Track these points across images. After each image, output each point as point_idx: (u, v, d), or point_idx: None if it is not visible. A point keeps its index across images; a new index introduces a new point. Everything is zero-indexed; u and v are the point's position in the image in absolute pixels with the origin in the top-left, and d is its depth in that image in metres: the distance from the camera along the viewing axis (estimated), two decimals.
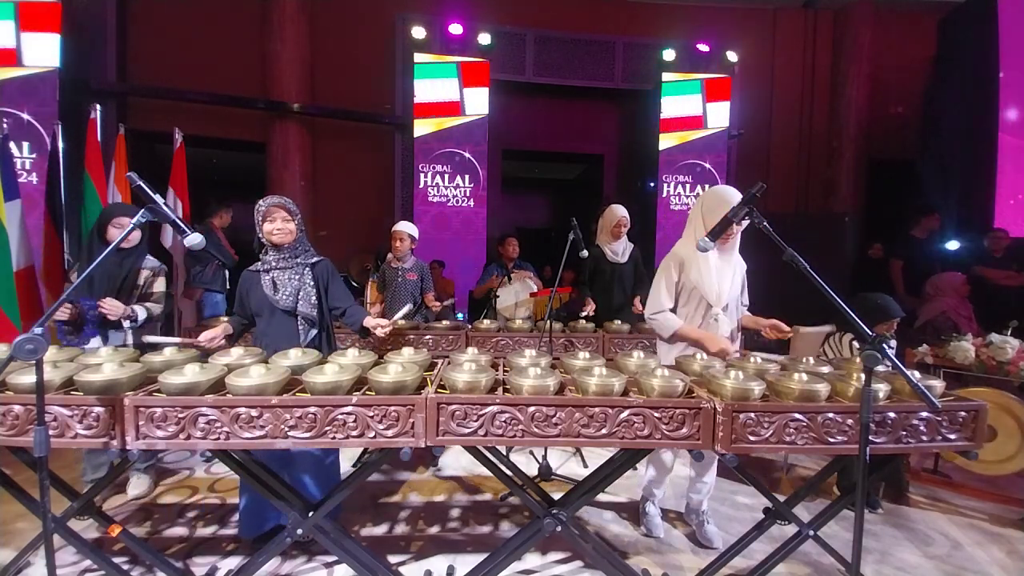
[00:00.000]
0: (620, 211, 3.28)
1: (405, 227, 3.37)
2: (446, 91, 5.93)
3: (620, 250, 3.32)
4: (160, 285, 2.40)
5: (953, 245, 5.17)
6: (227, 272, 4.26)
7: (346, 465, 2.92)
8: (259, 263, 2.08)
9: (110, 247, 1.43)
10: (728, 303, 2.09)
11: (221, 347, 2.05)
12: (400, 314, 2.24)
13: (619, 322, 2.96)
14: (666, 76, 6.30)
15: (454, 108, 5.95)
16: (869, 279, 4.88)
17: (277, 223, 2.01)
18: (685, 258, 2.09)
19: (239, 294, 2.12)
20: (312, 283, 2.07)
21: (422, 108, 5.90)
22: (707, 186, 6.41)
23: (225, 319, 2.36)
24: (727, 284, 2.07)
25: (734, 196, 1.99)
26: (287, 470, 2.01)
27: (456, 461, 2.97)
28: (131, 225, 1.43)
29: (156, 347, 2.37)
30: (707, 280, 2.04)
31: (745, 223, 2.01)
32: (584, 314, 3.21)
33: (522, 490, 1.68)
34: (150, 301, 2.36)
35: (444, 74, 5.91)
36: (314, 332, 2.09)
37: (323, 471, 2.11)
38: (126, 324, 2.25)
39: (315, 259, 2.14)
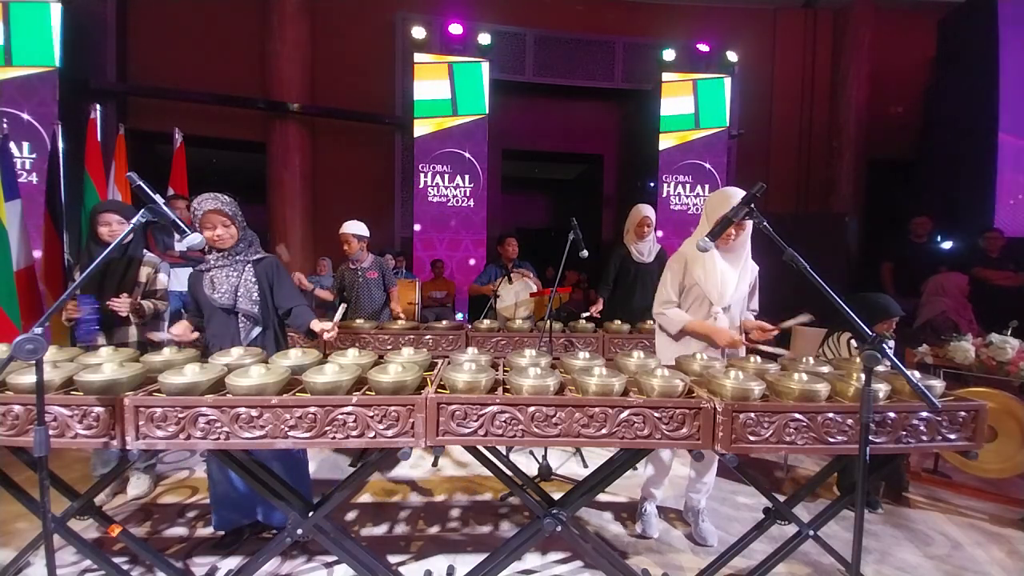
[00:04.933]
0: (644, 210, 3.18)
1: (352, 228, 3.25)
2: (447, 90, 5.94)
3: (646, 250, 3.23)
4: (163, 281, 2.41)
5: (948, 246, 5.18)
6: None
7: (346, 464, 2.93)
8: (203, 263, 2.05)
9: (108, 249, 1.43)
10: (731, 304, 2.10)
11: (192, 341, 2.03)
12: (338, 315, 2.10)
13: (619, 322, 2.95)
14: (666, 76, 6.30)
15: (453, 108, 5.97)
16: (860, 280, 4.89)
17: (217, 230, 1.95)
18: (689, 257, 2.12)
19: (191, 295, 2.08)
20: (254, 280, 2.02)
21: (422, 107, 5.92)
22: (707, 186, 6.41)
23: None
24: (731, 285, 2.08)
25: (736, 195, 1.96)
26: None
27: (456, 461, 2.97)
28: (131, 225, 1.43)
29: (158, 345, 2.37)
30: (710, 279, 2.07)
31: (749, 225, 2.03)
32: (587, 314, 3.19)
33: (522, 490, 1.68)
34: (155, 298, 2.36)
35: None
36: (257, 330, 2.04)
37: (290, 459, 2.09)
38: (134, 320, 2.25)
39: (258, 256, 2.07)
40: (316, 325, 2.00)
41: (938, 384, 1.59)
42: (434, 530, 2.27)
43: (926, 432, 1.49)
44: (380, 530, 2.27)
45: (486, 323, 3.01)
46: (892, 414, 1.47)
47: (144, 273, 2.35)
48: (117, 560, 1.78)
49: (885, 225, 6.36)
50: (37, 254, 3.42)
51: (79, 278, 1.41)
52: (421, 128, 5.96)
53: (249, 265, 2.03)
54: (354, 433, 1.44)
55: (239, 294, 1.98)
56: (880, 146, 7.07)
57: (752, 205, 1.50)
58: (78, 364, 1.62)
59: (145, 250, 2.43)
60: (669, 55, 6.34)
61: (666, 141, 6.36)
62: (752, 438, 1.45)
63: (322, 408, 1.43)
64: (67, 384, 1.51)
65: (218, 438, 1.42)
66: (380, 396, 1.46)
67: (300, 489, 2.08)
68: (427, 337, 2.83)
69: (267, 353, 1.83)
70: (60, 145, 3.94)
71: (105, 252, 1.42)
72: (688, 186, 6.39)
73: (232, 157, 7.10)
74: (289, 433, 1.43)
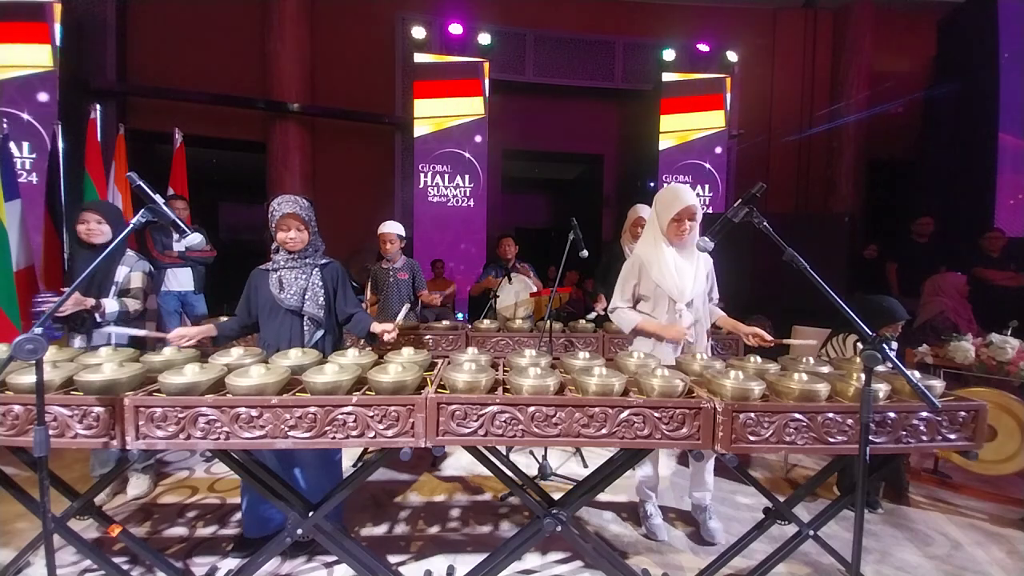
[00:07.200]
0: (640, 211, 3.15)
1: (392, 228, 3.31)
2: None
3: None
4: (137, 280, 2.32)
5: (949, 246, 5.17)
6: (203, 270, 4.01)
7: (346, 464, 2.93)
8: (270, 262, 2.07)
9: (105, 252, 1.42)
10: (692, 299, 2.13)
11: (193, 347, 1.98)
12: (401, 315, 2.21)
13: None
14: (666, 76, 6.30)
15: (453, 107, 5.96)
16: (865, 279, 4.90)
17: (291, 232, 1.99)
18: (645, 259, 2.16)
19: (246, 292, 2.09)
20: (320, 284, 2.05)
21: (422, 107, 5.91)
22: (707, 186, 6.41)
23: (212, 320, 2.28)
24: (689, 280, 2.11)
25: (684, 191, 2.13)
26: (291, 465, 2.01)
27: (456, 461, 2.97)
28: (131, 225, 1.42)
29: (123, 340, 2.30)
30: (668, 278, 2.10)
31: (699, 219, 2.12)
32: (594, 315, 3.18)
33: (522, 490, 1.68)
34: (127, 296, 2.29)
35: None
36: (320, 334, 2.06)
37: (328, 466, 2.11)
38: (97, 318, 2.20)
39: (325, 261, 2.11)
40: (377, 327, 2.03)
41: (938, 384, 1.59)
42: (434, 530, 2.27)
43: (926, 432, 1.49)
44: (380, 530, 2.27)
45: (486, 323, 3.01)
46: (892, 414, 1.47)
47: (121, 272, 2.31)
48: (117, 560, 1.78)
49: (885, 225, 6.36)
50: (37, 253, 3.42)
51: (75, 281, 1.41)
52: (421, 128, 5.96)
53: (316, 269, 2.07)
54: (354, 433, 1.44)
55: (306, 297, 2.02)
56: (880, 146, 7.07)
57: (752, 205, 1.51)
58: (78, 364, 1.62)
59: (129, 250, 2.39)
60: (669, 55, 6.34)
61: (666, 141, 6.36)
62: (752, 438, 1.45)
63: (322, 408, 1.43)
64: (67, 384, 1.51)
65: (218, 438, 1.42)
66: (380, 396, 1.46)
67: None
68: (427, 337, 2.83)
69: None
70: (60, 145, 3.94)
71: (103, 254, 1.42)
72: (688, 186, 6.38)
73: (232, 157, 7.10)
74: (289, 433, 1.43)
